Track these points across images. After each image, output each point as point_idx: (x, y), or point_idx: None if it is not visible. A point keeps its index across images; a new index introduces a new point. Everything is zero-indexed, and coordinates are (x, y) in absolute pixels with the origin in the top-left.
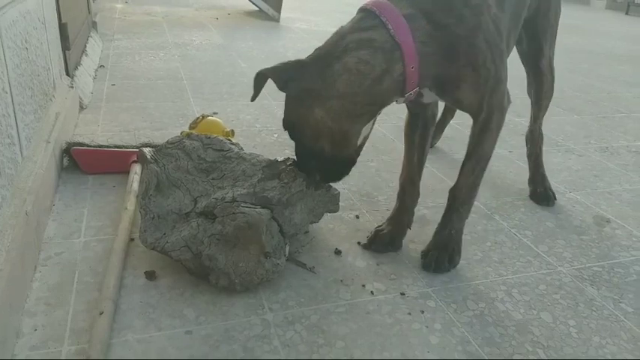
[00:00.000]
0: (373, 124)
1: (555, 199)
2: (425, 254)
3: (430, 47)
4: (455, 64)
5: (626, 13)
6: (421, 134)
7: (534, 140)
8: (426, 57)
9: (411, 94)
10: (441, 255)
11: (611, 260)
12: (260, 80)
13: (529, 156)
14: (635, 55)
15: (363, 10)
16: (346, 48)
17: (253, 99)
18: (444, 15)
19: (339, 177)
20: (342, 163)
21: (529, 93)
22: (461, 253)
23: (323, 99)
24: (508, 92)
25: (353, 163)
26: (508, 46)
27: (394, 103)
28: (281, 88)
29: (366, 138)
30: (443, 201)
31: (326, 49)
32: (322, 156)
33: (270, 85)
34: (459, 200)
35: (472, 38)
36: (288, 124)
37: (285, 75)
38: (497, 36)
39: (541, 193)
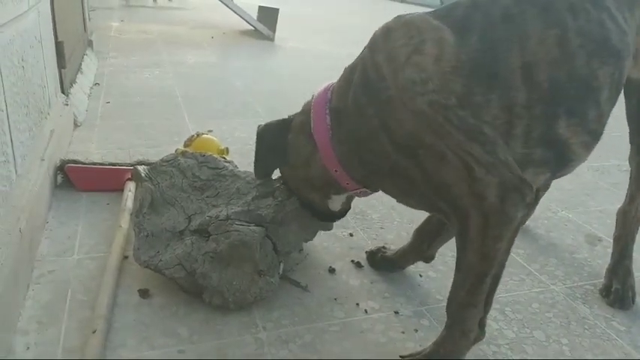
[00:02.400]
0: (348, 199)
1: (634, 302)
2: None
3: (346, 147)
4: (370, 169)
5: None
6: None
7: (627, 223)
8: (347, 158)
9: (359, 192)
10: None
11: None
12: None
13: (616, 239)
14: None
15: (307, 113)
16: (294, 124)
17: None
18: (353, 114)
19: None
20: (319, 214)
21: (630, 163)
22: None
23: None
24: (513, 187)
25: (332, 218)
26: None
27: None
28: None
29: (345, 204)
30: None
31: (295, 116)
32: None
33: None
34: (450, 317)
35: (375, 144)
36: None
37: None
38: (418, 130)
39: (617, 291)
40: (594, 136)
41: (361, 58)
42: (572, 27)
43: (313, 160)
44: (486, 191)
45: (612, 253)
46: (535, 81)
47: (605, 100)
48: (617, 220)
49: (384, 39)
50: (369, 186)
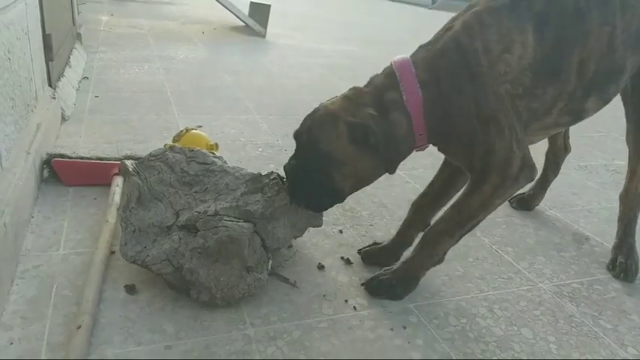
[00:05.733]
0: None
1: (636, 275)
2: (372, 278)
3: (434, 116)
4: (447, 130)
5: None
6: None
7: (629, 203)
8: (433, 122)
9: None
10: (383, 278)
11: (590, 277)
12: None
13: (620, 219)
14: None
15: (389, 74)
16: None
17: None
18: (448, 86)
19: (324, 207)
20: (332, 195)
21: (627, 140)
22: (408, 292)
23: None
24: (526, 165)
25: (341, 198)
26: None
27: None
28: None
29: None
30: None
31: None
32: (321, 183)
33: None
34: (424, 241)
35: (464, 112)
36: (308, 141)
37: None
38: (499, 110)
39: (621, 263)
40: (606, 102)
41: (456, 40)
42: (619, 24)
43: (410, 130)
44: (514, 161)
45: (617, 232)
46: (584, 73)
47: (624, 79)
48: (620, 201)
49: (481, 30)
50: (433, 143)
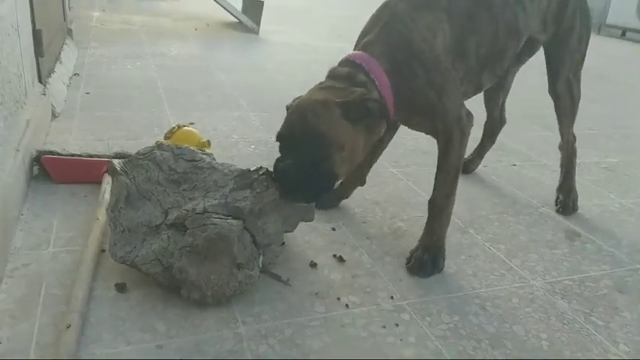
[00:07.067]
0: None
1: (574, 211)
2: (409, 259)
3: (399, 96)
4: (412, 106)
5: (598, 33)
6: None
7: (566, 155)
8: (399, 101)
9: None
10: (425, 258)
11: (582, 274)
12: None
13: (561, 166)
14: (604, 73)
15: (352, 65)
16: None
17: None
18: (407, 73)
19: (319, 195)
20: (329, 181)
21: (550, 95)
22: (445, 258)
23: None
24: (468, 113)
25: (334, 184)
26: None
27: None
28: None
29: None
30: (417, 214)
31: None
32: (320, 172)
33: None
34: (437, 209)
35: (423, 90)
36: (304, 131)
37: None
38: (444, 82)
39: (561, 202)
40: (497, 76)
41: (400, 33)
42: (501, 22)
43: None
44: (462, 116)
45: (560, 176)
46: (479, 55)
47: (508, 59)
48: (560, 150)
49: (414, 25)
50: (395, 117)
